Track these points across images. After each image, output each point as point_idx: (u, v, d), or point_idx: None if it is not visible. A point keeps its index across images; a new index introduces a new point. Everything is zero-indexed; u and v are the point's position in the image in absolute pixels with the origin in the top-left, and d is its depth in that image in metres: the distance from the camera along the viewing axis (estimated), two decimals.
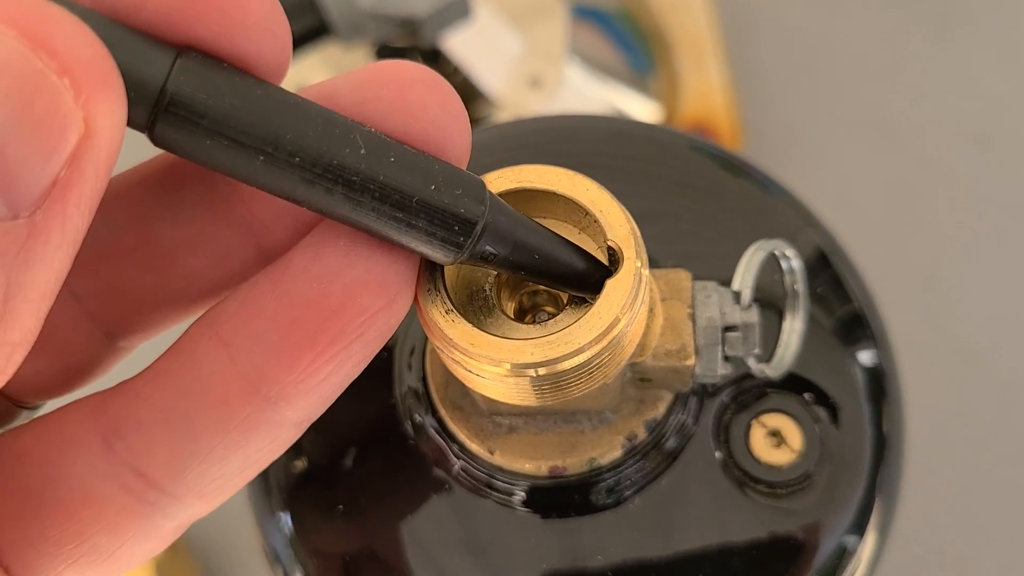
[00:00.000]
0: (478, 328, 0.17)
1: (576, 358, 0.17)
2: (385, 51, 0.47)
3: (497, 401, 0.20)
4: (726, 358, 0.19)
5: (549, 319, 0.18)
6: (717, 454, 0.21)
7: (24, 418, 0.17)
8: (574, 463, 0.20)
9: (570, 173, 0.18)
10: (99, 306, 0.16)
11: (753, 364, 0.20)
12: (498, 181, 0.17)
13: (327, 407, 0.15)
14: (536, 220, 0.17)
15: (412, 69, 0.15)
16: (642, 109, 0.52)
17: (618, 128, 0.28)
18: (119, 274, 0.16)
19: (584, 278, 0.17)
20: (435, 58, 0.46)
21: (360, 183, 0.13)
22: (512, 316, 0.18)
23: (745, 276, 0.20)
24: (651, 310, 0.19)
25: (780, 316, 0.22)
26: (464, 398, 0.21)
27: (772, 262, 0.21)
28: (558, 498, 0.21)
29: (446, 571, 0.21)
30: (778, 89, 0.52)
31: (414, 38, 0.43)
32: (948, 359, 0.46)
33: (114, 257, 0.16)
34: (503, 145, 0.27)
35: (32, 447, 0.15)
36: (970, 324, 0.47)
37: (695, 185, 0.26)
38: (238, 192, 0.16)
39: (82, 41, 0.11)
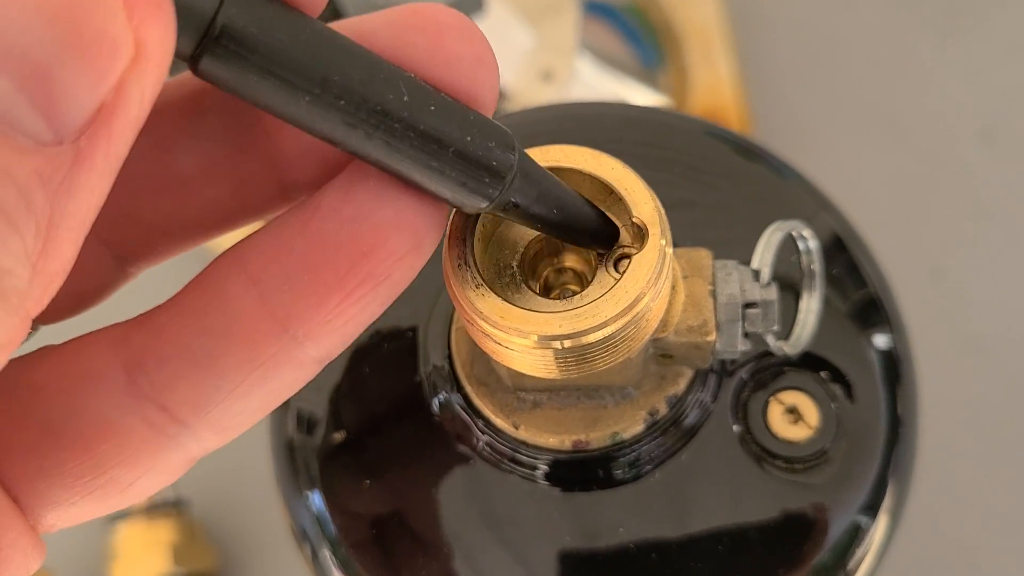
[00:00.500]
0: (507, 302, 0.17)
1: (602, 331, 0.17)
2: None
3: (523, 377, 0.20)
4: (746, 334, 0.20)
5: (573, 296, 0.19)
6: (735, 429, 0.22)
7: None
8: (597, 437, 0.21)
9: (595, 152, 0.18)
10: (112, 231, 0.16)
11: (772, 341, 0.21)
12: None
13: (347, 345, 0.15)
14: None
15: (448, 14, 0.14)
16: (651, 103, 0.53)
17: (634, 114, 0.28)
18: (134, 200, 0.16)
19: (597, 232, 0.18)
20: None
21: (401, 130, 0.13)
22: (538, 293, 0.19)
23: (764, 255, 0.20)
24: (673, 287, 0.20)
25: (797, 298, 0.22)
26: (489, 375, 0.21)
27: (788, 245, 0.22)
28: (580, 472, 0.21)
29: (471, 544, 0.22)
30: (787, 83, 0.53)
31: None
32: (954, 350, 0.47)
33: (131, 182, 0.15)
34: (521, 132, 0.28)
35: (50, 379, 0.15)
36: (976, 315, 0.47)
37: (710, 170, 0.26)
38: (262, 125, 0.16)
39: None
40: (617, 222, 0.18)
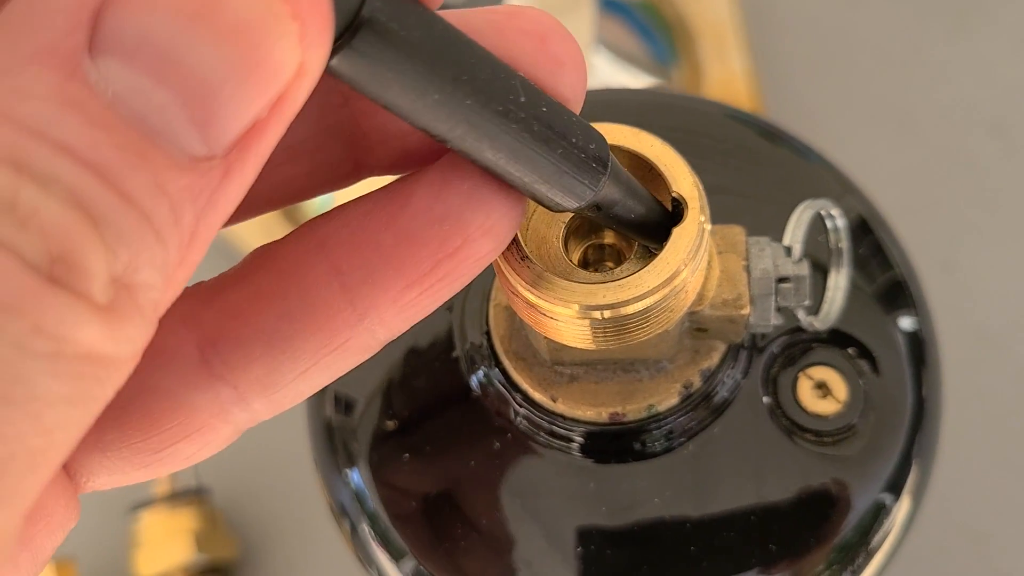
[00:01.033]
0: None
1: (642, 302, 0.18)
2: None
3: (561, 351, 0.21)
4: (778, 308, 0.20)
5: (612, 270, 0.19)
6: (766, 400, 0.23)
7: None
8: (633, 409, 0.21)
9: (635, 130, 0.19)
10: None
11: (802, 316, 0.21)
12: None
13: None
14: None
15: (549, 19, 0.15)
16: None
17: (658, 100, 0.29)
18: None
19: (658, 226, 0.18)
20: None
21: (517, 131, 0.13)
22: (578, 267, 0.19)
23: (795, 232, 0.21)
24: (709, 263, 0.21)
25: (825, 277, 0.23)
26: (527, 349, 0.22)
27: (816, 225, 0.22)
28: (615, 444, 0.22)
29: (509, 515, 0.23)
30: (799, 78, 0.53)
31: None
32: (966, 342, 0.47)
33: None
34: None
35: None
36: (987, 308, 0.48)
37: (736, 153, 0.27)
38: (349, 109, 0.16)
39: None
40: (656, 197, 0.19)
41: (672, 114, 0.28)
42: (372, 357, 0.16)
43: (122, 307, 0.11)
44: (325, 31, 0.11)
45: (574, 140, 0.14)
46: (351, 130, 0.16)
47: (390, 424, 0.24)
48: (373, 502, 0.24)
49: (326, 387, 0.26)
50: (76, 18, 0.10)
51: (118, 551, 0.45)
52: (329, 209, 0.16)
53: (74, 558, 0.43)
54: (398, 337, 0.16)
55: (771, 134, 0.27)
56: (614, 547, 0.22)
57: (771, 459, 0.22)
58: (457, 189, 0.15)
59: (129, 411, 0.15)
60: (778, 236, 0.22)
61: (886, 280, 0.26)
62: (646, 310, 0.18)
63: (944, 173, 0.50)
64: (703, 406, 0.22)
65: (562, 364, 0.22)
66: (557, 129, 0.14)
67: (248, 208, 0.16)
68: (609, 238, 0.20)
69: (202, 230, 0.11)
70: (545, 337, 0.19)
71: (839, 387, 0.23)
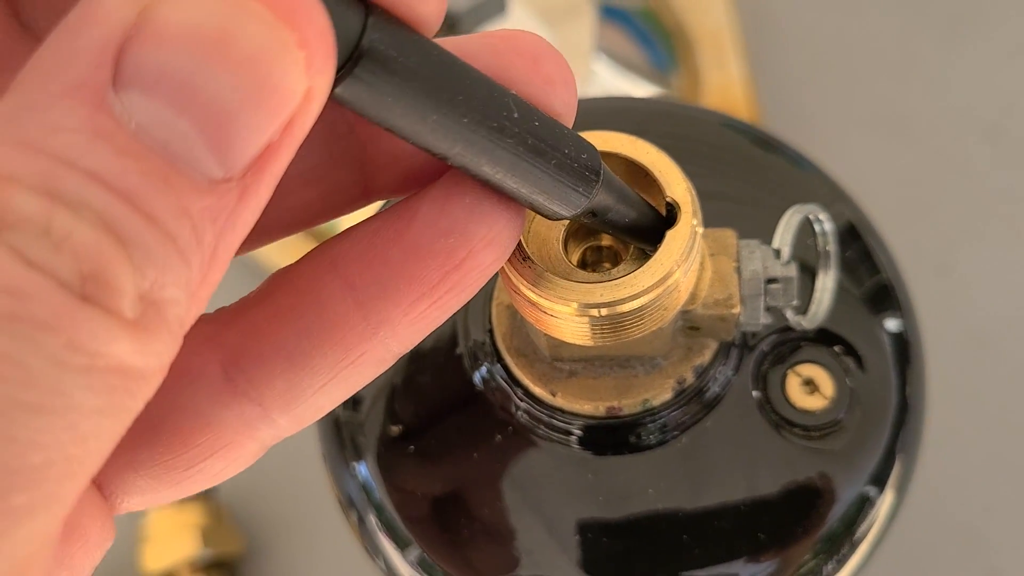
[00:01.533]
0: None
1: (637, 300, 0.19)
2: None
3: (560, 347, 0.22)
4: (767, 308, 0.21)
5: (609, 271, 0.20)
6: (755, 396, 0.24)
7: None
8: (629, 403, 0.22)
9: (633, 138, 0.20)
10: None
11: (791, 316, 0.22)
12: None
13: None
14: None
15: (540, 42, 0.16)
16: None
17: (657, 108, 0.30)
18: None
19: (652, 230, 0.19)
20: None
21: (512, 145, 0.14)
22: (576, 267, 0.20)
23: (784, 235, 0.22)
24: (701, 264, 0.22)
25: (813, 278, 0.24)
26: (528, 346, 0.23)
27: (805, 229, 0.23)
28: (612, 437, 0.23)
29: (511, 504, 0.24)
30: (797, 85, 0.54)
31: (451, 32, 0.45)
32: (960, 345, 0.48)
33: None
34: None
35: None
36: (982, 311, 0.48)
37: (730, 160, 0.28)
38: (356, 134, 0.17)
39: (317, 11, 0.11)
40: (651, 202, 0.20)
41: (670, 122, 0.29)
42: None
43: (150, 322, 0.11)
44: (329, 57, 0.11)
45: (567, 151, 0.15)
46: (359, 155, 0.17)
47: (394, 429, 0.25)
48: (380, 494, 0.25)
49: None
50: (101, 56, 0.11)
51: (125, 546, 0.46)
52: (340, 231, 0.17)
53: None
54: None
55: (765, 142, 0.28)
56: (610, 535, 0.23)
57: (760, 452, 0.23)
58: (460, 203, 0.15)
59: (159, 430, 0.15)
60: (769, 240, 0.23)
61: (873, 283, 0.27)
62: (641, 308, 0.19)
63: (939, 178, 0.51)
64: (696, 401, 0.23)
65: (561, 360, 0.23)
66: (550, 142, 0.15)
67: (269, 232, 0.17)
68: (607, 240, 0.21)
69: (222, 249, 0.12)
70: (545, 334, 0.20)
71: (826, 384, 0.24)
